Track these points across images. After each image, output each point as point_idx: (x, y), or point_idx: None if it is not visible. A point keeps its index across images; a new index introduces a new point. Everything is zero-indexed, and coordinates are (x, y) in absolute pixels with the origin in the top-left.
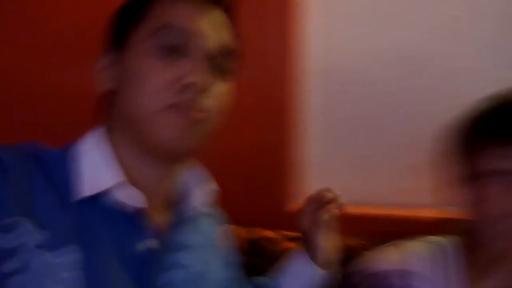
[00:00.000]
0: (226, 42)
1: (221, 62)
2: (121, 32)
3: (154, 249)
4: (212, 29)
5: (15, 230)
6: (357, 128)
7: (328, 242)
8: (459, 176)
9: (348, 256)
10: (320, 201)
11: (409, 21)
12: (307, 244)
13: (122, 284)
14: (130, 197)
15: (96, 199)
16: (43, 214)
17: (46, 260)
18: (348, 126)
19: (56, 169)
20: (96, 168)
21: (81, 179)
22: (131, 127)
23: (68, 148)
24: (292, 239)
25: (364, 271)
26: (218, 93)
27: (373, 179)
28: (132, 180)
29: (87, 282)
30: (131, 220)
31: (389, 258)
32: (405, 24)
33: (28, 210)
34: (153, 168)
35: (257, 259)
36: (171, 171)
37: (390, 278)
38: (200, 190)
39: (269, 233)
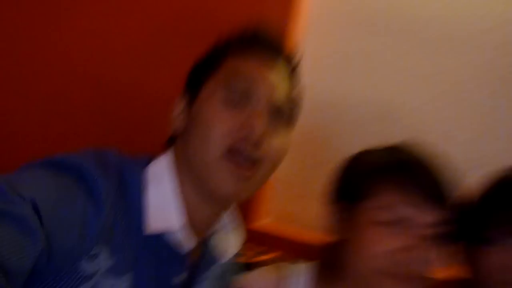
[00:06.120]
0: (288, 93)
1: (283, 112)
2: (195, 82)
3: (184, 281)
4: (276, 81)
5: (98, 257)
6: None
7: None
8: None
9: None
10: None
11: (392, 73)
12: None
13: None
14: (186, 240)
15: (158, 235)
16: (117, 241)
17: (111, 283)
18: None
19: (133, 195)
20: (163, 204)
21: (149, 212)
22: (193, 170)
23: (144, 169)
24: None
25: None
26: (276, 144)
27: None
28: (189, 215)
29: None
30: (178, 258)
31: (263, 277)
32: (390, 75)
33: (108, 237)
34: (209, 206)
35: None
36: (220, 211)
37: None
38: (233, 238)
39: None
